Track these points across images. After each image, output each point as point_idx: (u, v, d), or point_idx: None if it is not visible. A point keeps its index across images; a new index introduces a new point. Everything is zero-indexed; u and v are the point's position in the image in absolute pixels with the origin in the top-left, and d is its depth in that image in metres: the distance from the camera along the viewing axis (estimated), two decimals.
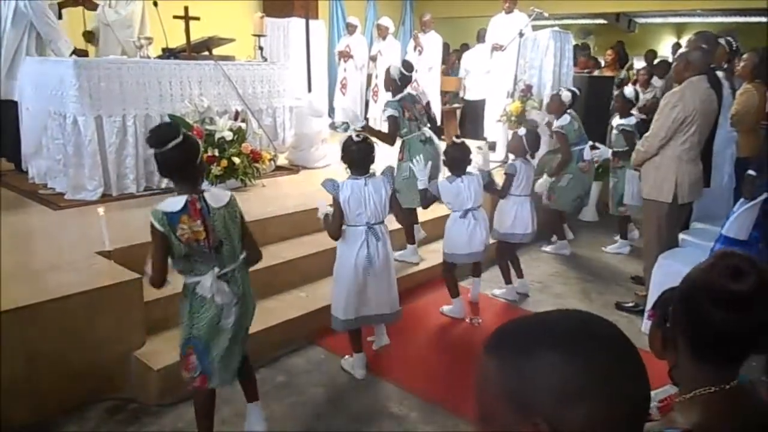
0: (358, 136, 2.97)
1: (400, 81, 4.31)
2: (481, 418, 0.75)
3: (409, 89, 4.40)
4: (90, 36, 5.59)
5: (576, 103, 5.20)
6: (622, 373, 0.69)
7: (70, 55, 4.85)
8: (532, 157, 4.27)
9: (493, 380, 0.73)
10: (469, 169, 3.73)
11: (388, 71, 4.39)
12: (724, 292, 1.01)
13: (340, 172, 3.19)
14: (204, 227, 2.12)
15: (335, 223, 2.97)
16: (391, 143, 4.32)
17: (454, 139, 3.77)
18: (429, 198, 3.72)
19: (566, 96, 5.07)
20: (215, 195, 2.20)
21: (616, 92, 7.27)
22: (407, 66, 4.43)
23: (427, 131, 4.37)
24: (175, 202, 2.10)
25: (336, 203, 2.94)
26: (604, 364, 0.68)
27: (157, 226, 2.07)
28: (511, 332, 0.76)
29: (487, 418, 0.74)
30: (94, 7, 5.40)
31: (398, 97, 4.29)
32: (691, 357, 1.09)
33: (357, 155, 2.94)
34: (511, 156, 4.38)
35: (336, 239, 3.03)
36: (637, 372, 0.71)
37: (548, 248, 5.30)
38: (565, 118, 5.01)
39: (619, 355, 0.71)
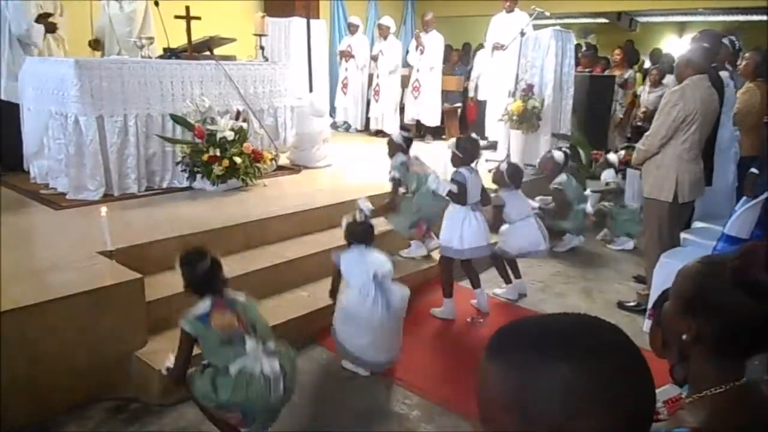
0: (361, 216, 3.23)
1: (406, 144, 4.41)
2: (482, 420, 0.73)
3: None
4: (96, 44, 5.61)
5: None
6: (630, 383, 0.68)
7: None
8: (518, 187, 4.33)
9: (496, 387, 0.71)
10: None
11: (391, 140, 4.49)
12: (760, 284, 1.02)
13: (340, 172, 3.22)
14: (235, 315, 2.33)
15: (333, 287, 3.27)
16: (392, 207, 4.38)
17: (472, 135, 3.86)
18: (461, 191, 3.71)
19: (559, 156, 5.17)
20: (234, 294, 2.42)
21: (622, 95, 7.30)
22: (406, 129, 4.61)
23: (416, 163, 4.43)
24: (202, 306, 2.32)
25: (335, 270, 3.18)
26: (613, 373, 0.67)
27: (187, 329, 2.29)
28: (516, 338, 0.73)
29: (489, 422, 0.72)
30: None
31: (403, 158, 4.35)
32: (708, 353, 1.08)
33: (359, 235, 3.17)
34: (496, 187, 4.46)
35: (334, 298, 3.23)
36: (644, 380, 0.70)
37: (556, 247, 5.29)
38: (562, 176, 5.13)
39: (627, 364, 0.69)
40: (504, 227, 4.27)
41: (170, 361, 2.41)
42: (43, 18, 5.16)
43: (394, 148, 4.41)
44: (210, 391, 2.29)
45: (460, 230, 3.71)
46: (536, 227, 4.20)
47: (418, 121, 8.19)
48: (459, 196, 3.70)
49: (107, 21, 5.52)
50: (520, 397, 0.68)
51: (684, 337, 1.10)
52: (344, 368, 3.21)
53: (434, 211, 4.17)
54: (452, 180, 3.74)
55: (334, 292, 3.26)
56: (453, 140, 3.90)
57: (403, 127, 4.64)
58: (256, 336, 2.34)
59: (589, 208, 5.11)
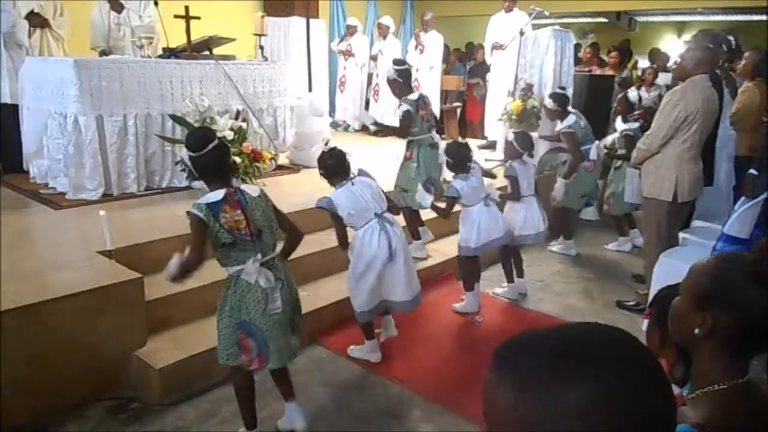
0: (327, 146, 3.09)
1: (400, 77, 4.27)
2: (489, 427, 0.70)
3: (420, 90, 4.42)
4: (103, 55, 5.62)
5: (575, 101, 5.20)
6: (652, 403, 0.65)
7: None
8: (530, 156, 4.27)
9: (505, 402, 0.66)
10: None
11: (387, 79, 4.37)
12: None
13: None
14: (244, 216, 2.26)
15: (341, 235, 3.08)
16: (403, 136, 4.34)
17: (459, 140, 3.81)
18: (450, 204, 3.76)
19: (548, 102, 5.07)
20: (248, 188, 2.36)
21: (619, 93, 7.27)
22: (398, 62, 4.42)
23: (436, 136, 4.38)
24: (214, 195, 2.23)
25: (336, 217, 3.00)
26: (636, 396, 0.63)
27: (198, 214, 2.19)
28: (532, 352, 0.67)
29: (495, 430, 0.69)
30: (119, 8, 5.42)
31: (414, 96, 4.26)
32: (718, 348, 1.09)
33: (336, 165, 3.02)
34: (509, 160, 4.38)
35: (346, 248, 3.09)
36: (666, 398, 0.67)
37: (555, 247, 5.29)
38: (570, 118, 4.98)
39: (651, 384, 0.65)
40: (506, 207, 4.21)
41: (174, 259, 2.16)
42: (32, 16, 5.17)
43: (396, 87, 4.32)
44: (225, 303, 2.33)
45: (477, 228, 3.74)
46: (537, 209, 4.17)
47: None
48: (444, 210, 3.76)
49: (119, 33, 5.52)
50: (529, 416, 0.63)
51: (696, 331, 1.11)
52: (351, 357, 3.23)
53: (435, 164, 4.20)
54: (444, 195, 3.78)
55: (343, 241, 3.10)
56: (443, 146, 3.90)
57: (397, 61, 4.47)
58: (261, 244, 2.31)
59: (593, 152, 4.97)
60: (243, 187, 2.34)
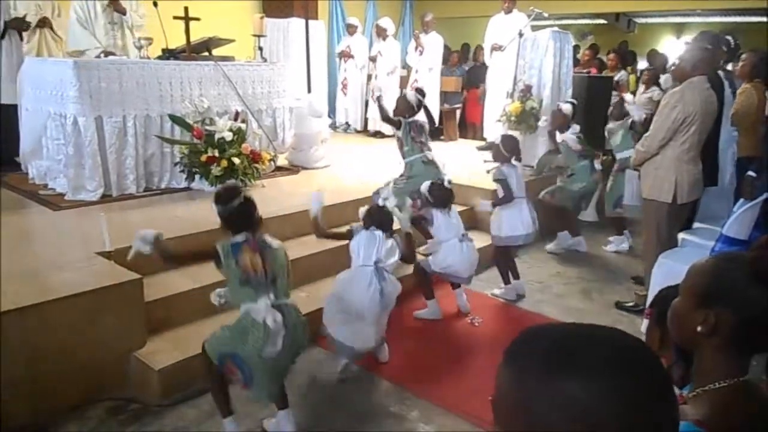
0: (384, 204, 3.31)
1: (417, 107, 4.43)
2: (496, 420, 0.71)
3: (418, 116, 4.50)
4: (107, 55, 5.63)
5: (576, 108, 5.22)
6: (660, 410, 0.65)
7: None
8: (518, 160, 4.29)
9: (506, 391, 0.68)
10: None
11: (404, 97, 4.48)
12: None
13: (339, 173, 3.22)
14: (262, 260, 2.38)
15: (335, 237, 3.30)
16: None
17: (446, 182, 3.88)
18: (425, 228, 3.90)
19: (567, 108, 5.13)
20: (271, 240, 2.48)
21: (614, 94, 7.29)
22: (422, 93, 4.55)
23: (429, 154, 4.41)
24: (237, 237, 2.39)
25: (347, 235, 3.20)
26: (644, 399, 0.63)
27: (219, 250, 2.36)
28: (531, 345, 0.69)
29: (500, 423, 0.70)
30: (123, 10, 5.42)
31: (411, 119, 4.38)
32: (720, 346, 1.10)
33: (382, 218, 3.21)
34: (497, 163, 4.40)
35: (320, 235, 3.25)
36: (671, 404, 0.67)
37: (554, 248, 5.29)
38: (575, 127, 5.07)
39: (658, 391, 0.65)
40: (497, 209, 4.21)
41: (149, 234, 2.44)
42: (15, 20, 5.20)
43: (406, 108, 4.44)
44: (217, 334, 2.43)
45: (447, 264, 3.76)
46: (527, 210, 4.18)
47: None
48: (422, 231, 3.90)
49: (119, 35, 5.52)
50: (528, 407, 0.65)
51: (699, 329, 1.11)
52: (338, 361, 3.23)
53: (427, 178, 4.22)
54: (423, 218, 3.82)
55: (325, 235, 3.27)
56: (425, 185, 3.89)
57: (421, 92, 4.60)
58: (274, 288, 2.39)
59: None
60: (266, 237, 2.47)
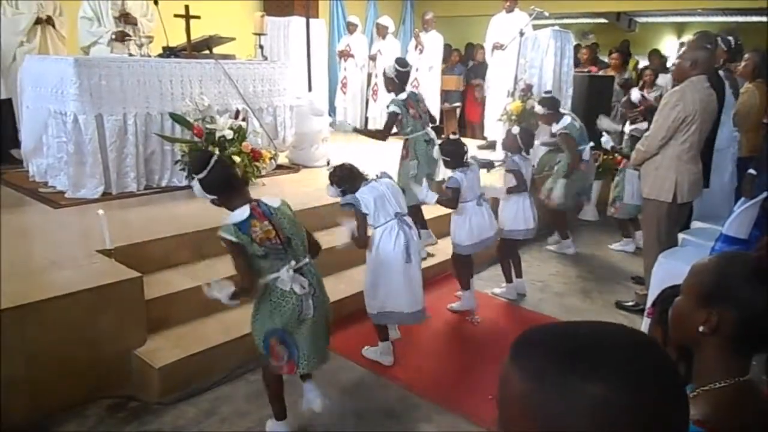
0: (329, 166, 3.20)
1: (398, 78, 4.34)
2: (501, 420, 0.70)
3: (411, 88, 4.42)
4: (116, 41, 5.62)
5: (575, 102, 5.20)
6: (670, 410, 0.64)
7: None
8: (527, 153, 4.28)
9: (517, 393, 0.66)
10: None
11: (384, 73, 4.42)
12: None
13: None
14: (272, 226, 2.29)
15: (363, 233, 3.06)
16: (383, 138, 4.41)
17: (451, 135, 3.81)
18: (455, 195, 3.71)
19: (539, 109, 5.08)
20: (269, 199, 2.39)
21: (622, 96, 7.27)
22: (401, 62, 4.45)
23: (431, 132, 4.40)
24: (239, 213, 2.26)
25: (359, 215, 3.01)
26: (654, 401, 0.63)
27: (232, 239, 2.21)
28: (546, 345, 0.67)
29: (508, 424, 0.69)
30: (134, 21, 5.43)
31: (403, 95, 4.32)
32: (722, 346, 1.10)
33: (349, 174, 3.07)
34: (509, 153, 4.37)
35: (365, 247, 3.10)
36: (682, 406, 0.66)
37: (553, 246, 5.29)
38: (565, 119, 4.98)
39: (670, 392, 0.65)
40: (501, 201, 4.21)
41: (212, 288, 2.27)
42: None
43: (389, 84, 4.37)
44: (255, 324, 2.39)
45: (469, 225, 3.73)
46: (529, 205, 4.17)
47: None
48: (451, 202, 3.72)
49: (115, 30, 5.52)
50: (543, 409, 0.64)
51: (701, 328, 1.11)
52: (364, 356, 3.24)
53: (431, 160, 4.24)
54: (447, 187, 3.76)
55: (363, 240, 3.07)
56: (437, 147, 3.89)
57: (400, 62, 4.50)
58: (292, 250, 2.34)
59: (586, 153, 5.00)
60: (264, 198, 2.37)
